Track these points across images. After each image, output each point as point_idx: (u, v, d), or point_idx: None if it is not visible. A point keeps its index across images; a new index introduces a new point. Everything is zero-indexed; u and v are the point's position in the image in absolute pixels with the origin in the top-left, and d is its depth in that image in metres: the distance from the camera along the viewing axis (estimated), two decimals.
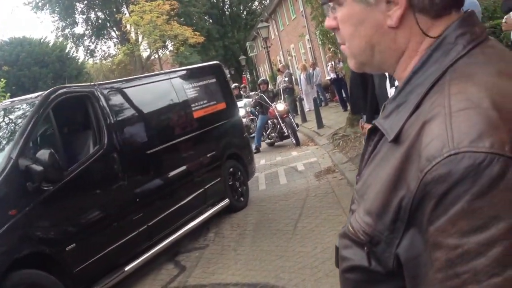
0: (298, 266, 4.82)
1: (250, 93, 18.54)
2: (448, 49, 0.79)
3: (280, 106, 12.60)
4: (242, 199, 7.61)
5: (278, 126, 12.60)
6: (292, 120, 12.57)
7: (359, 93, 4.77)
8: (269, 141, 13.21)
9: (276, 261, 5.09)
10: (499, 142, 0.65)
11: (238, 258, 5.49)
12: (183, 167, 6.53)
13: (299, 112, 16.45)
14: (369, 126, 5.27)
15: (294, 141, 12.26)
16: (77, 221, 4.89)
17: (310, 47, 24.08)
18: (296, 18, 25.76)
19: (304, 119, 15.77)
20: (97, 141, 5.37)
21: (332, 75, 16.59)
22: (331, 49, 16.00)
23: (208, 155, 7.04)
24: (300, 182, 8.38)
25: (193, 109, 6.97)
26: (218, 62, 8.56)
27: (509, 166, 0.64)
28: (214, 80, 7.75)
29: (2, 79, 14.22)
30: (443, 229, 0.66)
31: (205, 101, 7.25)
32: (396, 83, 3.99)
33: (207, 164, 6.98)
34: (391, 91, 3.68)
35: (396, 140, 0.79)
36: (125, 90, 6.10)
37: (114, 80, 6.66)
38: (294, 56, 28.88)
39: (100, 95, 5.53)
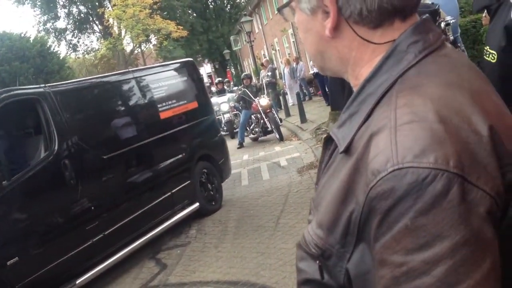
0: (279, 263, 4.81)
1: (234, 88, 18.55)
2: (400, 58, 0.76)
3: (263, 101, 12.55)
4: (214, 202, 7.31)
5: (262, 121, 12.57)
6: (276, 115, 12.54)
7: (337, 89, 4.77)
8: (253, 136, 13.18)
9: (258, 258, 5.08)
10: (443, 157, 0.63)
11: (220, 255, 5.46)
12: (146, 172, 6.26)
13: (282, 107, 16.41)
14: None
15: (277, 136, 12.23)
16: (20, 233, 4.65)
17: (293, 41, 24.05)
18: None
19: (287, 114, 15.75)
20: (48, 147, 5.09)
21: (315, 70, 16.59)
22: None
23: (176, 158, 6.76)
24: (282, 177, 8.38)
25: (160, 109, 6.66)
26: (190, 59, 8.25)
27: (453, 182, 0.62)
28: (185, 78, 7.48)
29: None
30: (388, 246, 0.64)
31: (174, 101, 6.95)
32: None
33: (175, 167, 6.69)
34: None
35: (347, 151, 0.77)
36: (82, 91, 5.82)
37: (71, 81, 6.40)
38: (278, 50, 28.85)
39: (52, 98, 5.18)
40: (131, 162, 6.13)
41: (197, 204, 6.84)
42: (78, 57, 42.06)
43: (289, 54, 24.53)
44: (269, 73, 17.90)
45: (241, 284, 4.57)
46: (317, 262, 0.79)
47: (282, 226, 5.86)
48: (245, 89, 13.06)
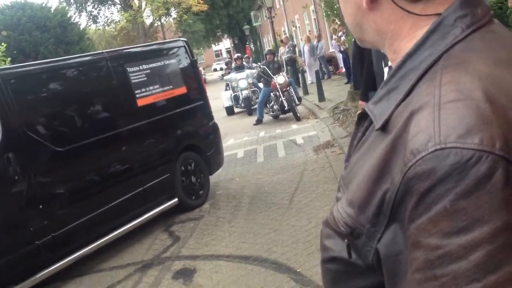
0: (292, 240, 4.82)
1: (253, 64, 18.36)
2: (446, 32, 0.72)
3: (281, 79, 12.33)
4: (196, 197, 6.69)
5: (280, 99, 12.41)
6: (293, 94, 12.34)
7: (358, 68, 4.70)
8: (272, 113, 13.01)
9: (270, 234, 5.09)
10: (489, 138, 0.59)
11: (232, 230, 5.48)
12: (112, 166, 5.67)
13: (301, 85, 16.30)
14: (363, 103, 5.23)
15: (294, 116, 12.13)
16: None
17: (314, 18, 23.74)
18: None
19: (305, 92, 15.66)
20: None
21: (336, 48, 16.42)
22: (336, 22, 15.76)
23: (154, 149, 6.19)
24: (298, 155, 8.35)
25: (137, 96, 6.01)
26: (182, 39, 7.52)
27: (498, 165, 0.58)
28: (173, 61, 6.80)
29: (3, 43, 14.12)
30: (424, 228, 0.61)
31: (156, 86, 6.30)
32: (390, 63, 3.91)
33: (151, 159, 6.10)
34: (386, 70, 3.60)
35: (384, 128, 0.73)
36: (41, 75, 5.23)
37: (26, 64, 5.63)
38: (299, 27, 28.53)
39: (1, 82, 4.63)
40: (93, 156, 5.45)
41: (175, 200, 6.28)
42: (98, 29, 42.18)
43: (309, 31, 24.24)
44: (289, 49, 17.75)
45: (252, 259, 4.59)
46: (345, 240, 0.77)
47: (296, 203, 5.86)
48: (264, 66, 12.94)
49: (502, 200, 0.58)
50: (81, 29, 30.67)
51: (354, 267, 0.77)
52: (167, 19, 42.00)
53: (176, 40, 7.46)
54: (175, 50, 6.98)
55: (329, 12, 14.79)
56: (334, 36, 16.49)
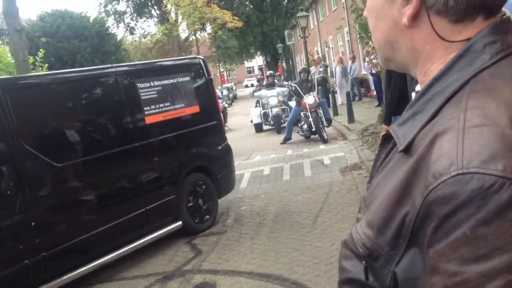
0: (314, 261, 4.77)
1: (284, 82, 18.37)
2: (474, 58, 0.72)
3: (311, 99, 12.07)
4: (203, 220, 6.38)
5: (309, 120, 12.16)
6: (321, 115, 12.02)
7: (388, 92, 4.68)
8: (302, 134, 12.68)
9: (292, 254, 5.05)
10: None
11: (255, 247, 5.47)
12: (114, 184, 5.42)
13: (331, 105, 16.25)
14: (386, 127, 5.19)
15: (320, 137, 11.86)
16: None
17: (348, 40, 23.74)
18: (336, 10, 25.39)
19: (335, 113, 15.60)
20: None
21: (368, 70, 16.37)
22: (369, 44, 15.73)
23: (160, 169, 5.94)
24: (324, 175, 8.30)
25: (146, 113, 5.79)
26: (199, 56, 7.25)
27: None
28: (187, 78, 6.52)
29: (41, 50, 14.50)
30: (443, 254, 0.60)
31: (167, 104, 6.07)
32: (417, 87, 3.87)
33: (155, 180, 5.86)
34: (413, 95, 3.57)
35: (407, 150, 0.73)
36: (45, 86, 5.10)
37: (29, 75, 5.52)
38: (332, 48, 28.55)
39: (1, 93, 4.49)
40: (94, 173, 5.22)
41: (179, 223, 6.01)
42: (135, 40, 43.02)
43: (342, 52, 24.23)
44: (321, 69, 17.75)
45: (273, 278, 4.56)
46: (363, 262, 0.76)
47: (320, 224, 5.81)
48: (295, 85, 12.88)
49: None
50: (118, 40, 31.29)
51: None
52: (202, 34, 42.56)
53: (193, 58, 7.29)
54: (190, 67, 6.80)
55: (363, 34, 14.75)
56: (366, 58, 16.44)
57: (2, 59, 13.66)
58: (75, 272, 4.77)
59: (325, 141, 11.70)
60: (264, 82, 17.52)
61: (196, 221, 6.27)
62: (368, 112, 14.26)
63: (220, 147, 6.95)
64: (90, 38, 26.67)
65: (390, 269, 0.71)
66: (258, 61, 73.84)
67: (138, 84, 5.81)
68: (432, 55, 0.77)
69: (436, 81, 0.74)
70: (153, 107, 5.89)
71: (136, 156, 5.66)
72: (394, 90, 4.26)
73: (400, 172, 0.72)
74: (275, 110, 14.86)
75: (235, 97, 41.49)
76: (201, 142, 6.64)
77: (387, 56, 0.86)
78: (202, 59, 7.04)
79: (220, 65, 56.60)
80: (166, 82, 6.17)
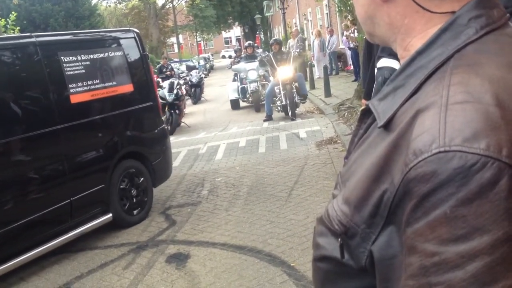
0: (288, 233, 4.81)
1: (262, 54, 17.96)
2: (458, 32, 0.69)
3: (284, 71, 11.36)
4: (136, 212, 5.75)
5: (281, 94, 11.53)
6: (294, 90, 11.38)
7: (366, 66, 4.67)
8: (277, 110, 11.84)
9: (266, 226, 5.08)
10: (496, 144, 0.57)
11: (229, 218, 5.48)
12: (33, 171, 4.69)
13: (308, 79, 16.21)
14: (365, 101, 5.21)
15: (289, 113, 11.30)
16: None
17: (327, 13, 23.60)
18: None
19: (312, 86, 15.60)
20: None
21: (346, 44, 16.36)
22: (348, 18, 15.68)
23: (87, 154, 5.26)
24: (300, 149, 8.33)
25: (71, 91, 5.06)
26: (133, 29, 6.42)
27: (503, 173, 0.56)
28: (120, 53, 5.80)
29: (13, 12, 14.06)
30: (421, 233, 0.59)
31: (96, 81, 5.37)
32: (378, 63, 3.88)
33: (81, 167, 5.14)
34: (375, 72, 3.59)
35: (387, 126, 0.71)
36: None
37: None
38: (310, 20, 28.39)
39: None
40: (8, 159, 4.52)
41: (109, 215, 5.37)
42: (109, 6, 42.01)
43: (321, 25, 24.11)
44: (300, 43, 17.64)
45: (247, 250, 4.58)
46: (339, 240, 0.75)
47: (295, 197, 5.85)
48: (269, 53, 12.44)
49: (505, 210, 0.56)
50: (92, 4, 30.55)
51: (346, 268, 0.75)
52: (179, 2, 41.82)
53: (126, 30, 6.38)
54: (123, 41, 5.99)
55: (342, 8, 14.73)
56: (345, 32, 16.40)
57: None
58: None
59: (292, 118, 11.20)
60: (243, 54, 16.81)
61: (128, 213, 5.65)
62: (345, 86, 14.31)
63: (156, 131, 6.30)
64: (64, 1, 26.00)
65: (367, 247, 0.70)
66: (236, 31, 73.14)
67: (62, 58, 5.05)
68: (411, 29, 0.75)
69: (419, 55, 0.72)
70: (79, 84, 5.18)
71: (62, 140, 4.93)
72: (374, 64, 4.25)
73: (379, 148, 0.70)
74: (253, 85, 13.57)
75: (212, 68, 41.08)
76: (134, 125, 5.99)
77: (369, 31, 0.84)
78: (136, 32, 6.27)
79: (197, 34, 55.81)
80: (95, 56, 5.45)
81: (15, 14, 14.03)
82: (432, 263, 0.58)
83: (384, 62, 3.69)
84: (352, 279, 0.75)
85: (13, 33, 12.86)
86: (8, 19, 13.60)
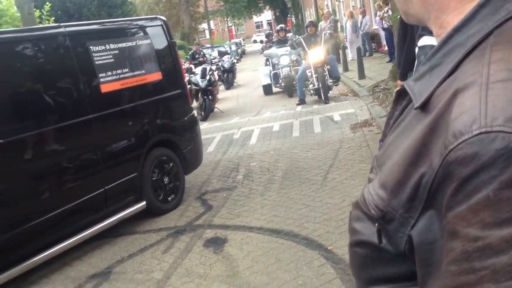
0: (324, 217, 4.80)
1: (292, 38, 17.68)
2: (498, 7, 0.66)
3: (315, 54, 11.14)
4: (169, 200, 5.78)
5: (313, 78, 11.39)
6: (326, 73, 11.23)
7: (402, 47, 4.58)
8: (310, 93, 11.74)
9: (302, 210, 5.08)
10: None
11: (264, 203, 5.50)
12: (66, 161, 4.71)
13: (341, 61, 16.01)
14: (402, 83, 5.12)
15: (322, 97, 11.19)
16: None
17: None
18: None
19: (346, 69, 15.41)
20: None
21: (380, 25, 16.06)
22: None
23: (119, 144, 5.29)
24: (334, 132, 8.27)
25: (101, 80, 5.08)
26: (159, 17, 6.45)
27: None
28: (147, 41, 5.81)
29: (47, 3, 14.31)
30: (463, 217, 0.57)
31: (125, 70, 5.36)
32: (419, 42, 3.78)
33: (114, 156, 5.19)
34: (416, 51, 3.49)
35: (424, 107, 0.69)
36: None
37: None
38: (342, 2, 27.95)
39: None
40: (42, 150, 4.55)
41: (143, 203, 5.43)
42: None
43: (353, 6, 23.71)
44: (330, 24, 17.40)
45: (283, 233, 4.60)
46: (376, 224, 0.73)
47: (330, 181, 5.82)
48: (299, 37, 12.21)
49: None
50: None
51: (383, 253, 0.73)
52: None
53: (153, 18, 6.37)
54: (151, 29, 5.99)
55: None
56: (378, 13, 16.09)
57: (7, 12, 13.51)
58: (19, 267, 4.19)
59: (325, 101, 11.10)
60: (274, 38, 16.59)
61: (161, 200, 5.70)
62: (379, 68, 14.08)
63: (185, 118, 6.29)
64: None
65: (405, 232, 0.68)
66: (266, 15, 72.65)
67: (91, 48, 5.08)
68: (445, 6, 0.72)
69: (456, 32, 0.69)
70: (109, 73, 5.20)
71: (91, 130, 4.98)
72: (410, 45, 4.16)
73: (416, 131, 0.68)
74: (286, 70, 13.24)
75: (243, 53, 41.02)
76: (164, 113, 6.02)
77: (403, 10, 0.81)
78: (163, 19, 6.27)
79: (228, 19, 55.69)
80: (123, 45, 5.47)
81: (49, 5, 14.29)
82: (475, 248, 0.56)
83: (425, 40, 3.60)
84: (390, 264, 0.74)
85: (48, 23, 13.12)
86: (42, 10, 13.85)
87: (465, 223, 0.57)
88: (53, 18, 14.21)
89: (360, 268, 0.82)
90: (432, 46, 3.63)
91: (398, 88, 0.83)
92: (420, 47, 3.75)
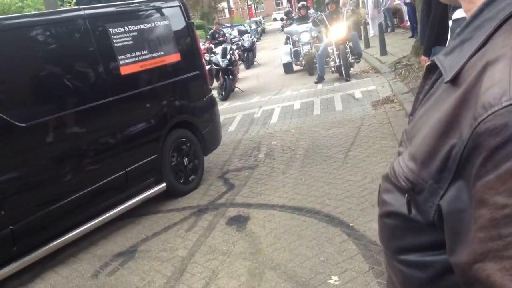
0: (345, 194, 4.81)
1: (314, 15, 17.47)
2: None
3: (338, 30, 11.04)
4: (189, 182, 5.81)
5: (335, 55, 11.29)
6: (348, 50, 11.22)
7: (426, 22, 4.51)
8: (331, 70, 11.70)
9: (324, 187, 5.09)
10: None
11: (286, 181, 5.53)
12: (88, 145, 4.80)
13: (362, 38, 15.78)
14: (426, 58, 5.06)
15: (343, 74, 11.10)
16: None
17: None
18: None
19: (367, 45, 15.21)
20: None
21: (402, 0, 15.77)
22: None
23: (140, 125, 5.32)
24: (356, 110, 8.21)
25: (121, 63, 5.10)
26: None
27: None
28: (165, 22, 5.78)
29: None
30: (491, 186, 0.58)
31: (144, 52, 5.38)
32: (454, 15, 3.71)
33: (135, 137, 5.25)
34: (449, 24, 3.43)
35: (454, 81, 0.70)
36: (0, 34, 4.21)
37: None
38: None
39: None
40: (65, 133, 4.62)
41: (163, 185, 5.46)
42: None
43: None
44: (353, 1, 17.14)
45: (305, 211, 4.63)
46: (406, 195, 0.75)
47: (351, 158, 5.81)
48: (321, 14, 12.10)
49: None
50: None
51: (413, 223, 0.75)
52: None
53: None
54: (168, 10, 5.95)
55: None
56: None
57: None
58: (46, 247, 4.30)
59: (347, 79, 10.98)
60: (294, 16, 16.40)
61: (181, 182, 5.73)
62: (401, 44, 13.86)
63: (204, 99, 6.29)
64: None
65: (435, 202, 0.69)
66: None
67: (110, 30, 5.09)
68: None
69: (487, 7, 0.69)
70: (128, 56, 5.21)
71: (111, 112, 5.02)
72: (434, 20, 4.10)
73: (446, 104, 0.69)
74: (306, 47, 13.06)
75: (263, 31, 40.73)
76: (183, 95, 5.99)
77: None
78: (181, 0, 6.19)
79: None
80: (141, 26, 5.47)
81: None
82: (503, 215, 0.57)
83: (460, 13, 3.55)
84: (419, 233, 0.75)
85: (69, 6, 13.22)
86: None
87: (493, 192, 0.58)
88: (74, 0, 14.28)
89: (390, 238, 0.84)
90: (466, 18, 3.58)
91: (428, 63, 0.84)
92: (454, 20, 3.70)
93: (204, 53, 13.17)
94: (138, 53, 5.33)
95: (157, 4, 5.99)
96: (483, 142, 0.60)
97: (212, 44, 15.93)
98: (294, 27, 13.99)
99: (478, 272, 0.60)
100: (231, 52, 12.45)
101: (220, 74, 12.04)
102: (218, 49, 12.88)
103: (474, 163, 0.61)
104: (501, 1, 0.68)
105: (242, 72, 16.05)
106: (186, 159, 5.83)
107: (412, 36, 14.04)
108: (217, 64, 12.05)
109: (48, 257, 4.42)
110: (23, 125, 4.15)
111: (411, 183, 0.73)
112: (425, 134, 0.72)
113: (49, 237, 4.35)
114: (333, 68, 11.60)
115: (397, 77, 9.68)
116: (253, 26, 32.51)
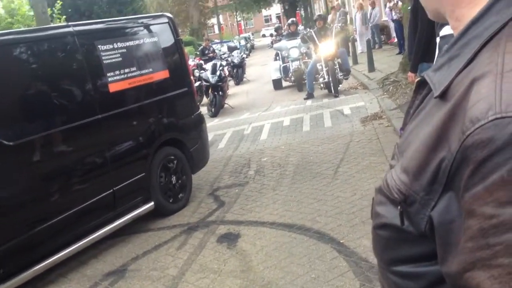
0: (336, 211, 4.83)
1: (303, 31, 17.63)
2: None
3: (326, 47, 11.18)
4: (176, 200, 5.76)
5: (323, 71, 11.39)
6: (336, 66, 11.35)
7: (413, 39, 4.58)
8: (321, 87, 11.73)
9: (314, 204, 5.11)
10: None
11: (276, 198, 5.54)
12: (76, 163, 4.70)
13: (350, 54, 15.92)
14: (413, 75, 5.13)
15: (332, 90, 11.20)
16: None
17: None
18: None
19: (355, 61, 15.35)
20: None
21: (390, 16, 15.96)
22: None
23: (128, 143, 5.25)
24: (345, 126, 8.27)
25: (109, 80, 5.05)
26: (166, 14, 6.39)
27: None
28: (154, 39, 5.76)
29: (58, 1, 14.40)
30: (479, 197, 0.61)
31: (133, 69, 5.34)
32: (441, 32, 3.79)
33: (123, 155, 5.17)
34: (437, 41, 3.49)
35: (443, 96, 0.73)
36: None
37: None
38: None
39: None
40: (53, 151, 4.55)
41: (151, 204, 5.38)
42: None
43: None
44: (340, 18, 17.33)
45: (296, 228, 4.64)
46: (398, 207, 0.77)
47: (341, 174, 5.84)
48: (310, 30, 12.21)
49: None
50: None
51: (406, 234, 0.77)
52: None
53: (159, 15, 6.32)
54: (157, 26, 5.94)
55: None
56: (388, 4, 16.00)
57: (19, 11, 13.62)
58: (34, 268, 4.21)
59: (335, 95, 11.05)
60: (284, 32, 16.60)
61: (170, 201, 5.69)
62: (389, 60, 14.01)
63: (192, 117, 6.22)
64: None
65: (426, 213, 0.72)
66: (275, 9, 72.44)
67: (99, 47, 5.05)
68: (459, 0, 0.76)
69: (473, 24, 0.73)
70: (117, 72, 5.16)
71: (100, 130, 4.96)
72: (421, 36, 4.17)
73: (435, 118, 0.72)
74: (295, 63, 13.26)
75: (252, 47, 40.98)
76: (171, 112, 5.93)
77: (424, 5, 0.85)
78: (169, 16, 6.21)
79: (237, 14, 55.60)
80: (130, 43, 5.43)
81: (60, 3, 14.37)
82: (491, 225, 0.60)
83: (447, 30, 3.62)
84: (412, 245, 0.78)
85: (59, 22, 13.23)
86: (53, 8, 13.92)
87: (481, 202, 0.61)
88: (64, 16, 14.30)
89: (383, 250, 0.86)
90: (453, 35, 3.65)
91: (418, 79, 0.87)
92: (441, 37, 3.77)
93: (194, 70, 13.22)
94: (127, 70, 5.29)
95: (145, 21, 6.01)
96: (470, 155, 0.62)
97: (202, 60, 15.98)
98: (284, 43, 14.15)
99: (468, 281, 0.62)
100: (221, 68, 12.49)
101: (210, 90, 12.08)
102: (208, 65, 12.93)
103: (462, 176, 0.64)
104: (486, 19, 0.71)
105: (232, 89, 16.11)
106: (174, 177, 5.77)
107: (399, 53, 14.21)
108: (207, 81, 12.10)
109: (37, 278, 4.37)
110: (11, 143, 4.09)
111: (403, 195, 0.76)
112: (416, 147, 0.75)
113: (37, 258, 4.27)
114: (322, 85, 11.67)
115: (385, 93, 9.78)
116: (243, 42, 32.71)
